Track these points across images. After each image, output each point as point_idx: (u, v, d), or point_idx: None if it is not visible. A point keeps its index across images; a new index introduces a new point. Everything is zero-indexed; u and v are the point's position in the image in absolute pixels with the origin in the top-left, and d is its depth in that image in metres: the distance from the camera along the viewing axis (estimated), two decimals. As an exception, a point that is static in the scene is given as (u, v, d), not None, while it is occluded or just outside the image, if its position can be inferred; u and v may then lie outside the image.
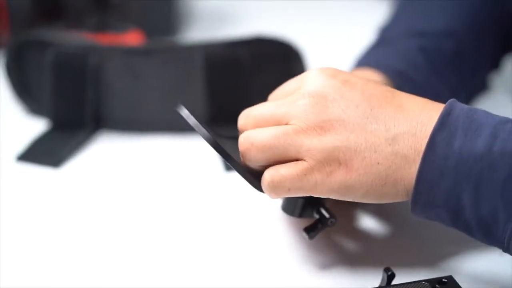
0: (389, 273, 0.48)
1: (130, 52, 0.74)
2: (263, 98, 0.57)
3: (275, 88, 0.57)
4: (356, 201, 0.49)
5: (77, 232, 0.58)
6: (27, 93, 0.76)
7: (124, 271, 0.54)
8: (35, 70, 0.75)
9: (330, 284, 0.52)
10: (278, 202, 0.58)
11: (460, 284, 0.47)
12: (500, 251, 0.48)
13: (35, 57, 0.74)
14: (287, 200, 0.54)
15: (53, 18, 0.90)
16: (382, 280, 0.48)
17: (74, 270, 0.54)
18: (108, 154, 0.71)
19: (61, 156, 0.69)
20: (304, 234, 0.52)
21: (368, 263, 0.54)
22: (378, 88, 0.50)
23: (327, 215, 0.52)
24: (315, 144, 0.48)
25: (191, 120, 0.51)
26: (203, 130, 0.50)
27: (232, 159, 0.50)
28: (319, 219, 0.52)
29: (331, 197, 0.49)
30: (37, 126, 0.74)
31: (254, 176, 0.51)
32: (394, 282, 0.48)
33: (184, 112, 0.51)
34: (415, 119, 0.48)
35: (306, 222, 0.53)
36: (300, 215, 0.54)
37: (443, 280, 0.47)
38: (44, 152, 0.69)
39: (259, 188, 0.51)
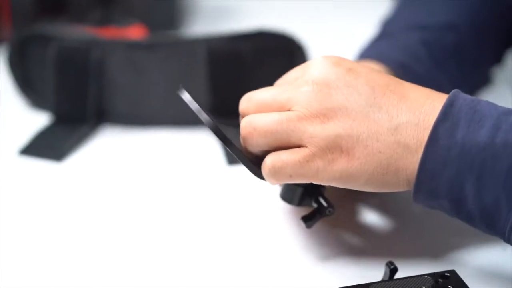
0: (392, 267, 0.48)
1: (132, 46, 0.73)
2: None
3: (278, 82, 0.57)
4: (357, 189, 0.49)
5: (80, 226, 0.58)
6: (29, 87, 0.76)
7: (127, 264, 0.54)
8: (37, 65, 0.75)
9: (332, 278, 0.52)
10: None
11: (463, 277, 0.47)
12: (503, 244, 0.47)
13: (38, 52, 0.74)
14: (286, 188, 0.54)
15: (55, 13, 0.90)
16: (385, 274, 0.48)
17: (77, 265, 0.54)
18: (111, 148, 0.71)
19: (64, 150, 0.69)
20: (302, 223, 0.52)
21: (370, 256, 0.54)
22: (382, 77, 0.50)
23: (325, 204, 0.52)
24: (318, 131, 0.48)
25: (193, 104, 0.50)
26: (204, 115, 0.49)
27: (232, 145, 0.49)
28: (317, 208, 0.52)
29: (333, 184, 0.49)
30: (39, 120, 0.74)
31: (253, 163, 0.50)
32: (396, 276, 0.48)
33: (186, 97, 0.50)
34: (418, 109, 0.48)
35: (307, 212, 0.53)
36: (299, 203, 0.53)
37: (446, 274, 0.47)
38: (47, 146, 0.69)
39: (259, 175, 0.51)
